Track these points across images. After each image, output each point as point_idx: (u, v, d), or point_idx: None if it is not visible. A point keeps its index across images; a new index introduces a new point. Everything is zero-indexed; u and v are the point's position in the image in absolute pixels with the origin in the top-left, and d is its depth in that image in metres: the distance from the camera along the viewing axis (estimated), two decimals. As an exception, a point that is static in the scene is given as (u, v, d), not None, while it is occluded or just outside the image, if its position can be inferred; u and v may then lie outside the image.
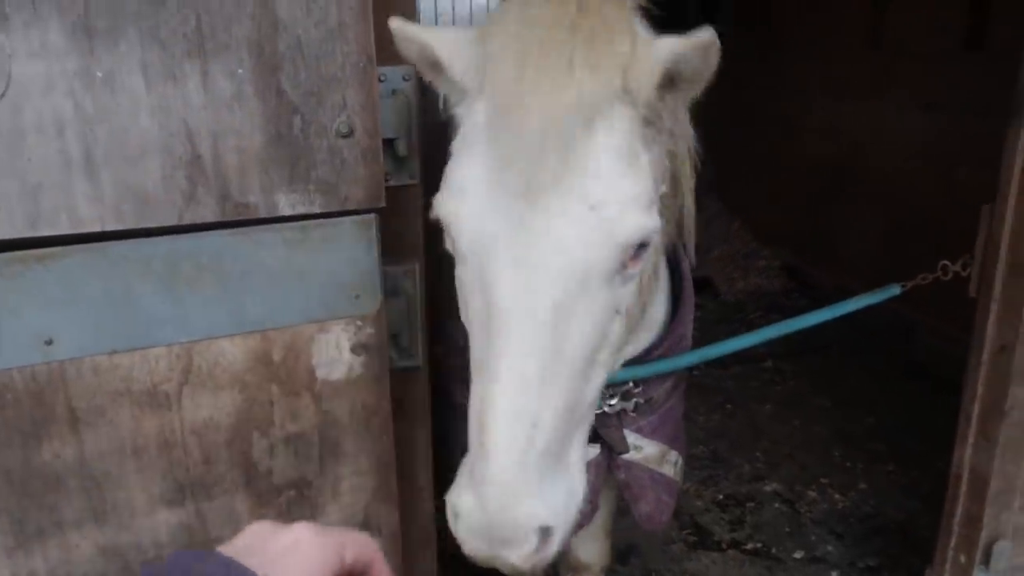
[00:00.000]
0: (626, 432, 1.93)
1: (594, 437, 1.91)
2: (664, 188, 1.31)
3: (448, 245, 1.32)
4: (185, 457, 1.49)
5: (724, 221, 7.54)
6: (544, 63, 1.12)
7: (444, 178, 1.29)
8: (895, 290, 2.27)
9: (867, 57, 5.79)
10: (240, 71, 1.38)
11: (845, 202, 6.17)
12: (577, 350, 1.13)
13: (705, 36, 1.11)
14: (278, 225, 1.45)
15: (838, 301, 2.24)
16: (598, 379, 1.24)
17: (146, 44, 1.32)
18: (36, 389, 1.36)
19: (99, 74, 1.31)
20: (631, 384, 1.87)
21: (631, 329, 1.40)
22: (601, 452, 1.93)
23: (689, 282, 1.92)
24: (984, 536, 2.52)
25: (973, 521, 2.53)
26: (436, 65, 1.32)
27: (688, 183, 1.46)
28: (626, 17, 1.22)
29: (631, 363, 1.83)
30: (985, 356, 2.39)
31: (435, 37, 1.30)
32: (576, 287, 1.12)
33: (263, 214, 1.44)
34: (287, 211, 1.45)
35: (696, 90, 1.21)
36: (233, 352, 1.47)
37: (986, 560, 2.54)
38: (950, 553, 2.60)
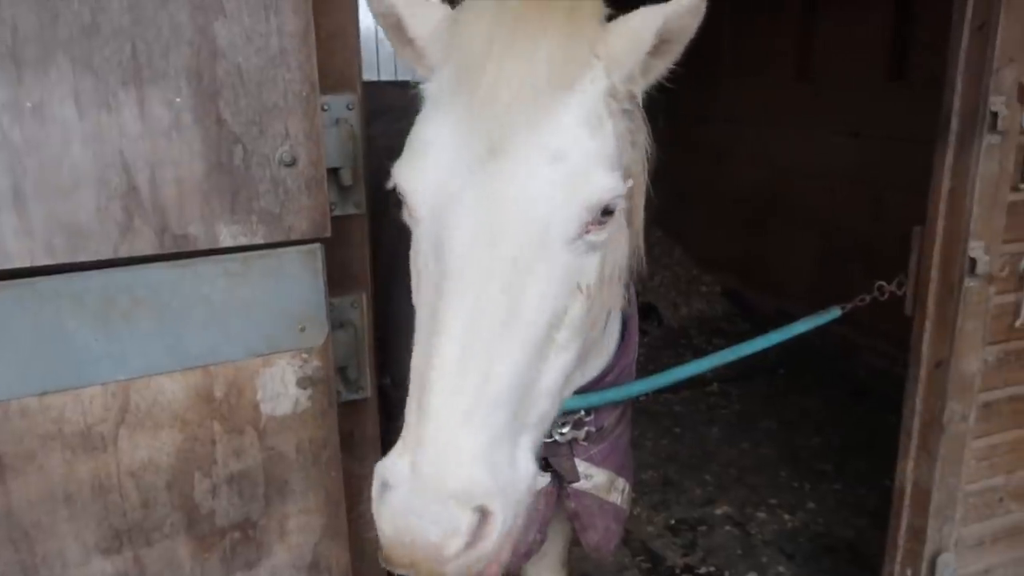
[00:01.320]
0: (577, 461, 1.92)
1: (544, 466, 1.90)
2: (630, 182, 1.28)
3: (405, 215, 1.27)
4: (122, 501, 1.42)
5: (665, 248, 7.67)
6: (516, 33, 1.12)
7: (406, 145, 1.26)
8: (836, 312, 2.32)
9: (796, 88, 6.01)
10: (178, 100, 1.35)
11: (779, 227, 6.35)
12: (533, 314, 1.08)
13: None
14: (219, 257, 1.41)
15: (778, 324, 2.28)
16: (556, 364, 1.15)
17: (78, 72, 1.28)
18: (-42, 435, 1.28)
19: (28, 104, 1.26)
20: (583, 413, 1.86)
21: (593, 338, 1.34)
22: (552, 481, 1.91)
23: (635, 311, 1.93)
24: (928, 549, 2.58)
25: (917, 535, 2.58)
26: (401, 30, 1.33)
27: (641, 195, 1.41)
28: None
29: (583, 391, 1.83)
30: (922, 372, 2.47)
31: (406, 5, 1.32)
32: (536, 244, 1.08)
33: (203, 246, 1.40)
34: (229, 242, 1.41)
35: (677, 51, 1.25)
36: (173, 389, 1.41)
37: (931, 573, 2.59)
38: (896, 567, 2.65)
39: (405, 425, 1.07)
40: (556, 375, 1.15)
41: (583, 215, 1.12)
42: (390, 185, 1.27)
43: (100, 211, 1.33)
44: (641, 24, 1.23)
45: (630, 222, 1.35)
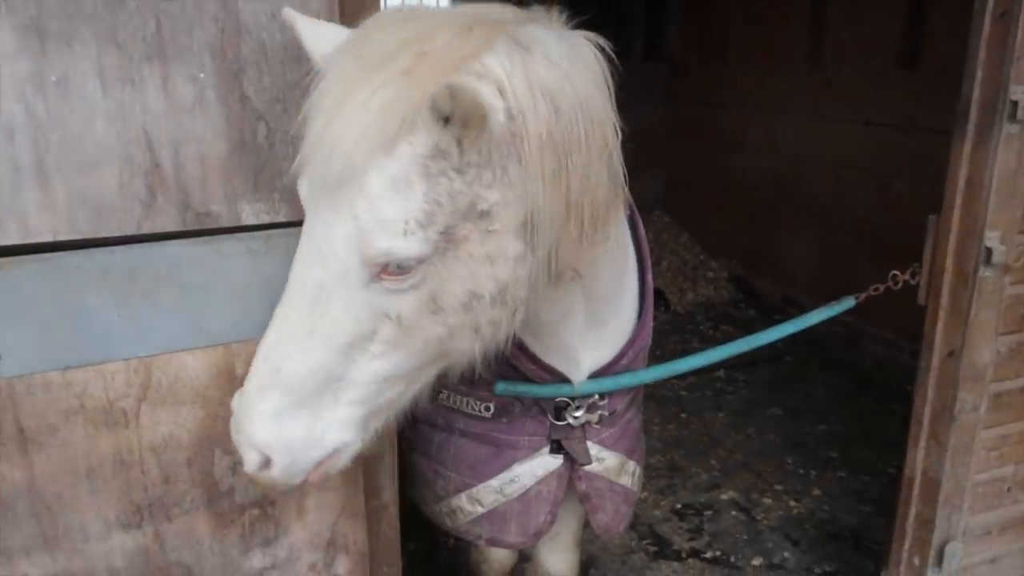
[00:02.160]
0: (589, 444, 1.93)
1: (557, 448, 1.91)
2: (497, 225, 1.28)
3: None
4: (143, 477, 1.42)
5: (672, 234, 7.66)
6: (355, 83, 1.19)
7: None
8: (851, 302, 2.31)
9: (807, 75, 5.97)
10: (202, 76, 1.34)
11: (787, 215, 6.33)
12: (330, 329, 1.26)
13: (451, 81, 1.11)
14: (242, 234, 1.41)
15: (785, 311, 2.28)
16: (371, 367, 1.32)
17: (103, 47, 1.28)
18: (-18, 408, 1.29)
19: (52, 77, 1.26)
20: (596, 397, 1.87)
21: (473, 345, 1.37)
22: (564, 464, 1.92)
23: (651, 295, 1.93)
24: (936, 538, 2.58)
25: (926, 523, 2.59)
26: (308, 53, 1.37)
27: (545, 228, 1.33)
28: (469, 48, 1.22)
29: (597, 376, 1.83)
30: (934, 361, 2.46)
31: (306, 25, 1.34)
32: (336, 277, 1.25)
33: (226, 223, 1.40)
34: (251, 220, 1.41)
35: (475, 131, 1.19)
36: (194, 366, 1.42)
37: (939, 561, 2.61)
38: (904, 555, 2.66)
39: None
40: (370, 375, 1.32)
41: (368, 267, 1.24)
42: None
43: (123, 188, 1.33)
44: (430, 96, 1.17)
45: (535, 247, 1.34)
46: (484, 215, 1.27)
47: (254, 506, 1.53)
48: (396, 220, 1.21)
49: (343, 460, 1.37)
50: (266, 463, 1.29)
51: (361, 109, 1.17)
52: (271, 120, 1.39)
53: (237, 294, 1.42)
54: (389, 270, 1.24)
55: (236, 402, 1.32)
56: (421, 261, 1.24)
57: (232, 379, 1.45)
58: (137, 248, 1.35)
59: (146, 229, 1.35)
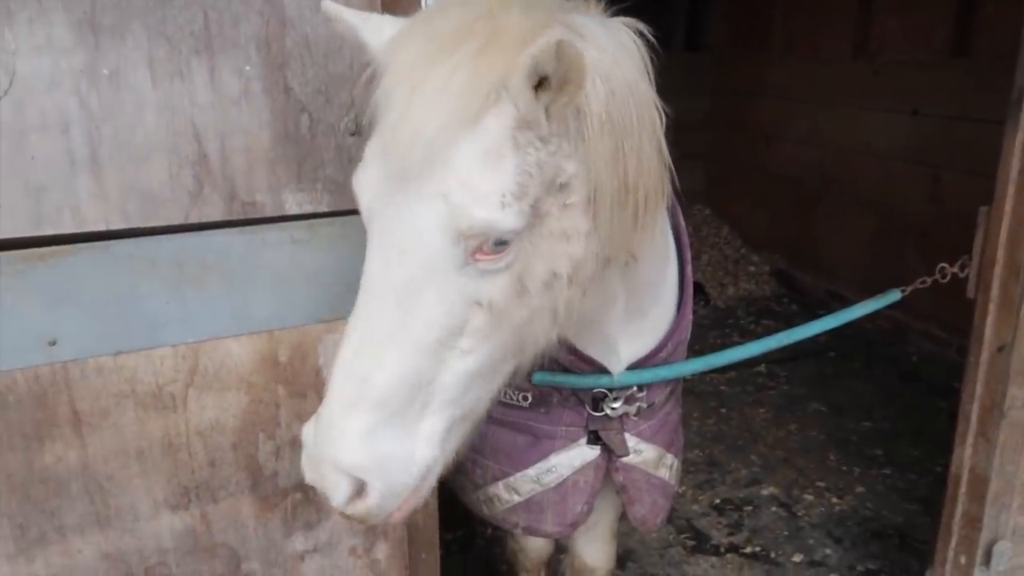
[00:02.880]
0: (627, 436, 1.93)
1: (595, 440, 1.91)
2: (574, 199, 1.29)
3: None
4: (190, 460, 1.46)
5: (712, 227, 7.57)
6: (432, 65, 1.17)
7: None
8: (896, 295, 2.27)
9: (854, 64, 5.85)
10: (247, 68, 1.37)
11: (831, 208, 6.22)
12: (423, 328, 1.20)
13: (552, 37, 1.11)
14: (286, 224, 1.44)
15: (829, 306, 2.24)
16: (459, 366, 1.27)
17: (153, 41, 1.31)
18: (39, 391, 1.34)
19: (105, 71, 1.30)
20: (635, 388, 1.86)
21: (530, 339, 1.36)
22: (601, 455, 1.92)
23: (690, 287, 1.92)
24: (984, 537, 2.53)
25: (973, 522, 2.53)
26: (362, 45, 1.34)
27: (606, 208, 1.34)
28: (535, 23, 1.22)
29: (635, 367, 1.83)
30: (984, 356, 2.40)
31: (355, 17, 1.33)
32: (426, 268, 1.19)
33: (270, 213, 1.43)
34: (294, 210, 1.44)
35: (571, 92, 1.19)
36: (239, 353, 1.45)
37: (986, 561, 2.55)
38: (950, 554, 2.60)
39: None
40: (459, 375, 1.27)
41: (463, 244, 1.19)
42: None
43: (172, 178, 1.37)
44: (519, 63, 1.16)
45: (597, 226, 1.34)
46: (563, 188, 1.27)
47: (296, 490, 1.56)
48: (493, 193, 1.18)
49: (431, 481, 1.30)
50: (358, 491, 1.20)
51: (441, 90, 1.15)
52: (314, 112, 1.41)
53: (281, 282, 1.45)
54: (485, 249, 1.20)
55: (308, 431, 1.23)
56: (517, 235, 1.21)
57: (275, 365, 1.48)
58: (185, 237, 1.39)
59: (193, 219, 1.39)
